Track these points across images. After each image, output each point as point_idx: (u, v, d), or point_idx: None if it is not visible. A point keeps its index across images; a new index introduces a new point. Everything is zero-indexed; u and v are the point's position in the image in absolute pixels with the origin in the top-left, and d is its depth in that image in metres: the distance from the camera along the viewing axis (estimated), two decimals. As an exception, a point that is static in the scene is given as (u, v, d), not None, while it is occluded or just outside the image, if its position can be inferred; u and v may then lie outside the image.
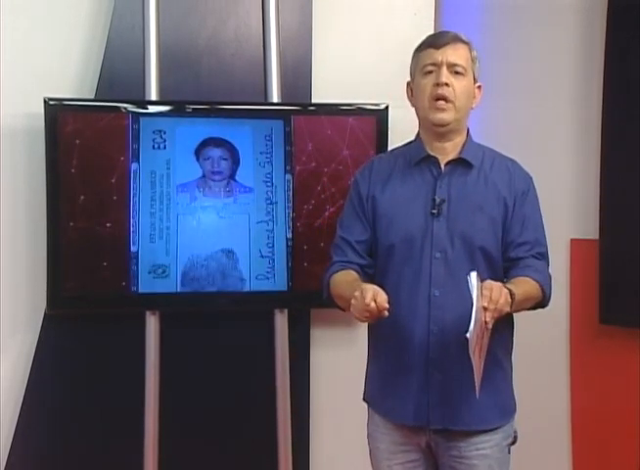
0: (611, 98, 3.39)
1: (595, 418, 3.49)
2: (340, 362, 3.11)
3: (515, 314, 2.21)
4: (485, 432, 2.18)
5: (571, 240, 3.47)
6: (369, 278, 2.22)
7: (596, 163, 3.43)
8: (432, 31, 3.15)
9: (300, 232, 3.00)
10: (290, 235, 3.00)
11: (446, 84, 2.13)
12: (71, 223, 2.84)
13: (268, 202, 2.98)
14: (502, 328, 2.15)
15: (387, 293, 2.05)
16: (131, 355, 2.94)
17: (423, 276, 2.14)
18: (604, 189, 3.40)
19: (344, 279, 2.21)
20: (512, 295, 2.00)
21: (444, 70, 2.14)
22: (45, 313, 2.89)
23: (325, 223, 3.00)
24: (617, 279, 3.37)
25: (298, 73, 3.07)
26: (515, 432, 2.25)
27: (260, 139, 2.97)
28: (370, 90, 3.04)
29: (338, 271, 2.26)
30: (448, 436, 2.17)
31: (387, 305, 1.98)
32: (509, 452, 2.24)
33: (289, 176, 2.99)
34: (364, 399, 2.33)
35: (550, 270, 2.25)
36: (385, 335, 2.21)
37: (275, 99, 3.04)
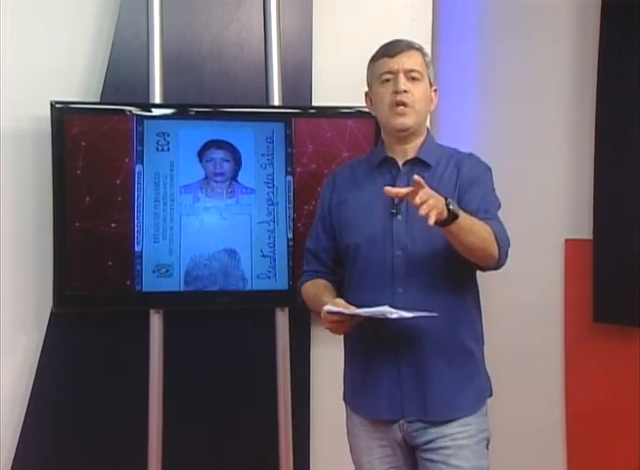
0: (604, 99, 3.40)
1: (589, 415, 3.49)
2: (340, 360, 3.02)
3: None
4: (458, 420, 2.18)
5: (566, 240, 3.48)
6: (337, 283, 2.30)
7: (590, 164, 3.44)
8: (429, 36, 3.19)
9: (301, 232, 3.00)
10: (290, 235, 3.02)
11: (405, 91, 2.18)
12: (77, 224, 2.85)
13: (269, 203, 3.00)
14: (466, 315, 2.22)
15: (354, 293, 2.19)
16: (135, 352, 2.96)
17: (386, 274, 2.18)
18: (598, 190, 3.41)
19: (311, 291, 2.30)
20: (447, 201, 1.97)
21: (401, 77, 2.19)
22: (51, 312, 2.90)
23: (325, 223, 3.04)
24: (610, 278, 3.38)
25: (299, 77, 3.09)
26: (486, 415, 2.25)
27: (262, 141, 2.99)
28: (369, 93, 3.09)
29: (306, 281, 2.34)
30: (423, 429, 2.19)
31: (337, 329, 2.11)
32: (487, 448, 2.24)
33: (290, 178, 3.01)
34: (343, 399, 2.37)
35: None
36: (355, 334, 2.22)
37: (276, 102, 3.05)
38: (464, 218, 2.01)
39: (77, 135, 2.84)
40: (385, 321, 2.07)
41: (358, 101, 3.02)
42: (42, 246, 2.90)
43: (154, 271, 2.92)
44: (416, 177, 1.93)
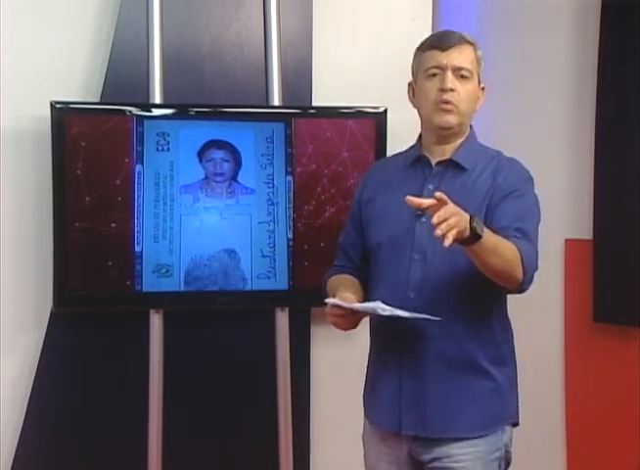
0: (605, 99, 3.40)
1: (589, 415, 3.50)
2: (340, 360, 3.13)
3: (507, 312, 2.17)
4: (465, 440, 2.07)
5: (566, 240, 3.49)
6: (363, 281, 2.22)
7: (590, 164, 3.45)
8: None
9: (301, 232, 3.02)
10: (290, 235, 3.02)
11: (452, 89, 2.06)
12: (77, 224, 2.86)
13: (269, 203, 3.01)
14: (485, 334, 2.10)
15: (373, 293, 2.12)
16: (135, 352, 2.96)
17: (402, 277, 2.09)
18: (598, 190, 3.42)
19: (334, 285, 2.22)
20: (472, 219, 1.84)
21: (449, 74, 2.07)
22: (51, 312, 2.90)
23: (325, 224, 3.03)
24: (610, 278, 3.39)
25: (299, 77, 3.09)
26: (506, 447, 2.13)
27: (262, 141, 2.99)
28: (369, 94, 3.08)
29: (332, 276, 2.28)
30: (426, 446, 2.10)
31: (341, 323, 2.05)
32: (501, 467, 2.12)
33: (289, 178, 3.02)
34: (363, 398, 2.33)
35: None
36: (372, 335, 2.21)
37: (276, 102, 3.06)
38: (488, 239, 1.89)
39: (77, 135, 2.85)
40: (386, 319, 2.01)
41: (358, 101, 3.07)
42: (42, 246, 2.90)
43: (154, 271, 2.93)
44: (437, 194, 1.82)
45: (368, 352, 2.28)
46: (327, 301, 2.05)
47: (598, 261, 3.42)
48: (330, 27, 3.14)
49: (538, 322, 3.49)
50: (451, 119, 2.09)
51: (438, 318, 1.99)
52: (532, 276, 2.03)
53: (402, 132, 3.00)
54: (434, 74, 2.09)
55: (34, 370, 2.92)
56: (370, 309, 2.01)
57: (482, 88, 2.16)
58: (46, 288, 2.89)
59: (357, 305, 2.03)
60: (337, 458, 3.18)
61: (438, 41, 2.11)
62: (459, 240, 1.84)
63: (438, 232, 1.78)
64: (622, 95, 3.36)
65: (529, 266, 2.00)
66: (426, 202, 1.84)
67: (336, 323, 2.06)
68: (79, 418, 2.97)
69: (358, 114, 3.05)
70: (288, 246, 3.02)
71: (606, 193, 3.41)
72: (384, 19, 3.20)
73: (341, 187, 3.03)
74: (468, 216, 1.85)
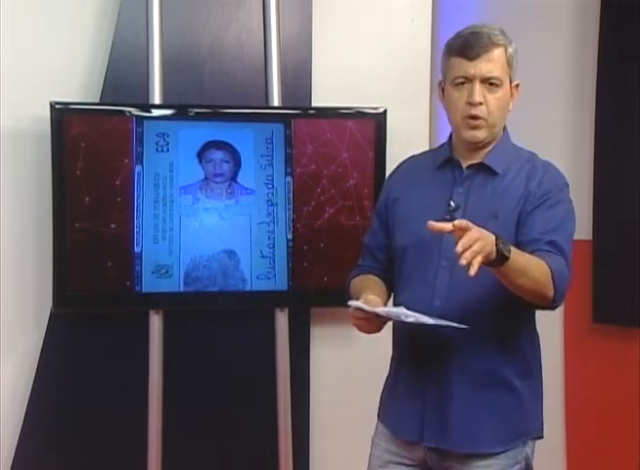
0: (605, 100, 3.41)
1: (589, 416, 3.50)
2: (339, 360, 3.14)
3: (529, 330, 2.11)
4: (484, 456, 2.03)
5: None
6: (389, 282, 2.16)
7: (590, 165, 3.45)
8: (429, 37, 3.19)
9: (301, 233, 3.02)
10: (290, 236, 3.02)
11: (480, 103, 1.98)
12: (77, 224, 2.86)
13: (269, 203, 3.01)
14: (513, 348, 2.05)
15: (398, 297, 2.06)
16: (135, 353, 2.97)
17: (427, 284, 2.02)
18: (597, 192, 3.43)
19: (358, 285, 2.15)
20: (497, 241, 1.78)
21: (477, 86, 1.97)
22: (51, 312, 2.91)
23: (325, 224, 3.03)
24: (609, 279, 3.40)
25: (299, 78, 3.10)
26: (526, 459, 2.09)
27: (261, 142, 3.00)
28: (368, 94, 3.08)
29: (356, 276, 2.21)
30: (444, 456, 2.05)
31: (365, 327, 1.97)
32: None
33: (289, 178, 3.02)
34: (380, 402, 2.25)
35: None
36: (395, 341, 2.16)
37: (276, 103, 3.06)
38: (516, 260, 1.82)
39: (77, 136, 2.85)
40: (411, 324, 1.93)
41: (357, 101, 3.07)
42: (42, 246, 2.91)
43: (153, 272, 2.93)
44: (457, 223, 1.75)
45: (390, 358, 2.21)
46: (350, 303, 1.97)
47: (598, 262, 3.43)
48: (329, 28, 3.14)
49: (538, 322, 3.48)
50: (480, 134, 2.03)
51: (465, 326, 1.90)
52: (564, 293, 1.97)
53: (402, 133, 3.03)
54: (462, 83, 1.99)
55: (34, 370, 2.93)
56: (393, 315, 1.94)
57: (517, 85, 2.07)
58: (46, 288, 2.89)
59: (380, 310, 1.95)
60: (337, 458, 3.18)
61: (466, 48, 1.99)
62: (486, 263, 1.78)
63: (463, 261, 1.71)
64: (622, 95, 3.36)
65: (561, 284, 1.94)
66: (447, 227, 1.77)
67: (358, 326, 1.99)
68: (79, 418, 2.98)
69: (358, 114, 3.05)
70: (287, 246, 3.03)
71: (605, 194, 3.42)
72: (383, 19, 3.20)
73: (340, 188, 3.04)
74: (493, 238, 1.79)
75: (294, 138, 3.01)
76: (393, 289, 2.15)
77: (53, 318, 2.93)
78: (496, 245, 1.78)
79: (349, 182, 3.03)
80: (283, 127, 3.01)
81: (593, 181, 3.44)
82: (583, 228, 3.47)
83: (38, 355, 2.93)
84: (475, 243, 1.73)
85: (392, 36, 3.18)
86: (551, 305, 1.98)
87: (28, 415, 2.93)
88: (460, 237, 1.73)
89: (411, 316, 1.90)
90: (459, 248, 1.72)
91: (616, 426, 3.47)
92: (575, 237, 3.45)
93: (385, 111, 3.05)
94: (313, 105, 3.11)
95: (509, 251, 1.81)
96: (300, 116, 3.05)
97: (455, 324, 1.90)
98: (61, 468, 2.98)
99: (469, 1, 3.49)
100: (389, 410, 2.17)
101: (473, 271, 1.72)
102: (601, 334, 3.47)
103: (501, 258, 1.79)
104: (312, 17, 3.11)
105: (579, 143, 3.51)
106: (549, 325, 3.51)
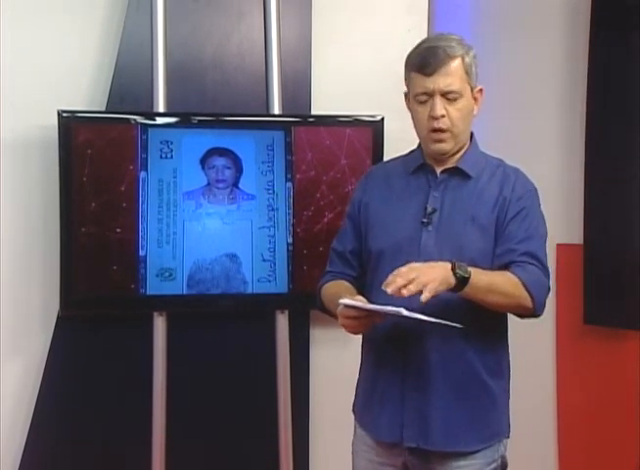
0: (595, 104, 3.41)
1: (581, 417, 3.51)
2: (339, 362, 3.14)
3: (502, 329, 2.13)
4: (463, 455, 2.05)
5: (557, 245, 3.46)
6: (360, 287, 2.15)
7: (580, 169, 3.47)
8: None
9: (300, 237, 3.06)
10: (290, 240, 3.06)
11: (442, 115, 2.00)
12: (83, 229, 2.89)
13: (270, 208, 3.05)
14: (488, 347, 2.07)
15: (373, 301, 2.00)
16: (139, 353, 2.99)
17: None
18: (588, 196, 3.44)
19: (331, 291, 2.15)
20: (454, 266, 1.84)
21: (438, 100, 2.00)
22: (58, 315, 2.93)
23: (324, 229, 3.07)
24: (600, 281, 3.41)
25: (299, 86, 3.13)
26: (502, 457, 2.11)
27: (262, 149, 3.03)
28: (367, 102, 3.11)
29: (328, 282, 2.21)
30: (424, 457, 2.06)
31: (355, 327, 1.97)
32: None
33: (289, 184, 3.06)
34: (352, 410, 2.25)
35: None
36: (368, 344, 2.16)
37: (276, 111, 3.09)
38: (479, 279, 1.87)
39: (84, 143, 2.88)
40: (400, 319, 1.94)
41: (356, 110, 3.10)
42: (49, 250, 2.94)
43: (157, 275, 2.96)
44: (388, 291, 1.83)
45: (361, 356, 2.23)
46: (341, 301, 1.93)
47: (588, 265, 3.44)
48: (329, 38, 3.18)
49: (530, 324, 3.48)
50: (446, 146, 2.06)
51: (460, 326, 1.92)
52: (543, 301, 2.01)
53: (399, 140, 3.03)
54: (424, 101, 2.02)
55: (41, 372, 2.96)
56: (390, 310, 1.89)
57: (480, 90, 2.08)
58: (53, 291, 2.92)
59: (378, 307, 1.91)
60: (336, 459, 3.12)
61: (423, 64, 2.01)
62: (448, 289, 1.84)
63: (404, 292, 1.80)
64: (612, 100, 3.37)
65: (538, 293, 1.98)
66: (404, 292, 1.83)
67: (347, 326, 1.97)
68: (85, 420, 3.00)
69: (356, 122, 3.09)
70: (287, 250, 3.06)
71: (596, 198, 3.43)
72: (381, 30, 3.24)
73: (339, 193, 3.07)
74: (449, 265, 1.86)
75: (294, 145, 3.05)
76: (365, 294, 2.09)
77: (60, 321, 2.95)
78: (453, 270, 1.86)
79: (348, 188, 3.05)
80: (283, 135, 3.05)
81: (584, 186, 3.45)
82: (574, 232, 3.50)
83: (45, 357, 2.96)
84: (417, 277, 1.82)
85: (390, 46, 3.19)
86: (534, 314, 2.03)
87: (36, 417, 2.96)
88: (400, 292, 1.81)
89: (407, 312, 1.89)
90: (404, 292, 1.81)
91: (607, 427, 3.48)
92: (567, 241, 3.53)
93: (382, 119, 3.10)
94: (313, 113, 3.14)
95: (467, 271, 1.87)
96: (300, 123, 3.08)
97: (449, 323, 1.92)
98: (67, 469, 3.01)
99: (463, 11, 3.52)
100: (369, 414, 2.15)
101: (423, 298, 1.80)
102: (592, 335, 3.48)
103: (462, 281, 1.87)
104: (312, 27, 3.14)
105: (570, 147, 3.52)
106: (541, 327, 3.52)
